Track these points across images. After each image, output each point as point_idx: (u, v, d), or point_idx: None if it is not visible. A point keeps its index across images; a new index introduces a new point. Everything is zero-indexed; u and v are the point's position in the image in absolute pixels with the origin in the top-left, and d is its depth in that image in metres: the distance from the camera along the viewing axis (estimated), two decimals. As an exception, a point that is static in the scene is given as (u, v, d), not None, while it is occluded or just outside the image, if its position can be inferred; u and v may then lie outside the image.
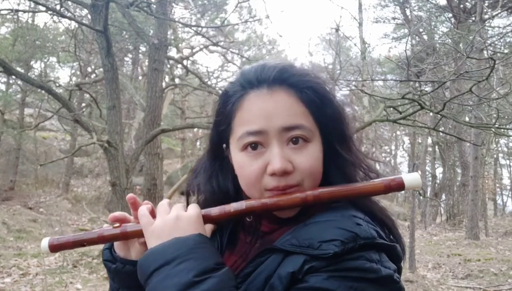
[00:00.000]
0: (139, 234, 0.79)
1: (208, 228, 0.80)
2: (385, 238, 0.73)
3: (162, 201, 0.81)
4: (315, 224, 0.73)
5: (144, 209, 0.79)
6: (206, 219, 0.77)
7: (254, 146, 0.76)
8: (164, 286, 0.66)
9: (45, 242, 0.83)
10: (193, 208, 0.76)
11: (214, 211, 0.78)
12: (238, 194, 0.85)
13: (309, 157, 0.76)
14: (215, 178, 0.87)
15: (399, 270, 0.75)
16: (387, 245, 0.72)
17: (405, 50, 4.29)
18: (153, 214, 0.79)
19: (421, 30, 12.02)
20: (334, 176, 0.79)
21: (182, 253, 0.68)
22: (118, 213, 0.83)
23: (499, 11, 10.38)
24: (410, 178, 0.75)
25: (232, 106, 0.80)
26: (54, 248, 0.83)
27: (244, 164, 0.77)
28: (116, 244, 0.84)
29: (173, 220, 0.73)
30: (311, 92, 0.78)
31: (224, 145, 0.85)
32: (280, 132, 0.75)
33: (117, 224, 0.82)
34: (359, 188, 0.77)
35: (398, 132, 23.45)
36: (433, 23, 13.10)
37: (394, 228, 0.80)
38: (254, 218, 0.83)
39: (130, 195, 0.84)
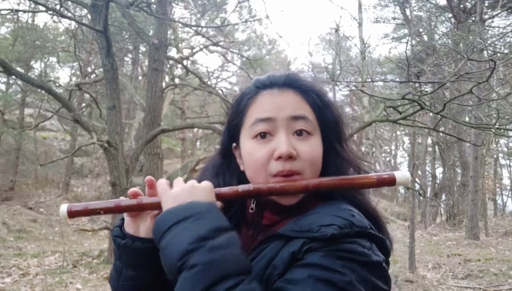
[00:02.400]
0: (154, 206, 0.85)
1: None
2: (376, 231, 0.82)
3: (178, 177, 0.89)
4: (315, 213, 0.82)
5: (162, 180, 0.86)
6: (216, 196, 0.84)
7: (263, 134, 0.87)
8: (181, 237, 0.73)
9: (63, 208, 0.86)
10: (206, 182, 0.85)
11: (224, 189, 0.87)
12: None
13: (311, 148, 0.86)
14: (222, 175, 0.96)
15: (387, 264, 0.82)
16: (378, 236, 0.81)
17: (405, 51, 4.28)
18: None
19: (421, 30, 12.02)
20: (331, 172, 0.89)
21: (200, 212, 0.76)
22: (137, 189, 0.89)
23: (499, 11, 10.38)
24: (401, 175, 0.85)
25: (247, 101, 0.92)
26: (72, 214, 0.86)
27: (253, 150, 0.87)
28: (126, 222, 0.90)
29: (189, 187, 0.82)
30: (315, 96, 0.91)
31: (234, 144, 0.95)
32: (287, 121, 0.86)
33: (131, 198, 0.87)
34: (355, 179, 0.86)
35: (398, 133, 23.47)
36: (433, 23, 13.10)
37: (383, 226, 0.90)
38: (256, 210, 0.91)
39: (148, 178, 0.89)
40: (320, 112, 0.90)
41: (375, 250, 0.78)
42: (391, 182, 0.84)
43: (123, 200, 0.87)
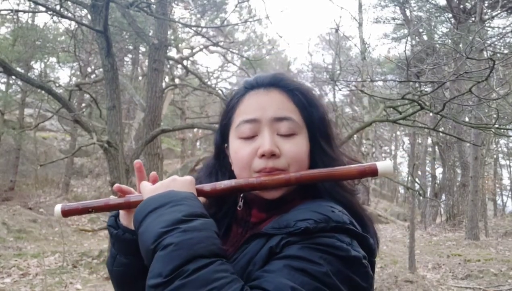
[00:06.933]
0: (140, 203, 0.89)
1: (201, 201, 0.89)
2: (357, 227, 0.81)
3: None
4: (296, 210, 0.83)
5: (145, 181, 0.91)
6: (199, 193, 0.87)
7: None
8: (156, 222, 0.75)
9: (58, 208, 0.93)
10: (188, 176, 0.88)
11: (206, 186, 0.90)
12: None
13: (295, 146, 0.87)
14: (215, 174, 0.99)
15: (372, 264, 0.82)
16: (358, 233, 0.80)
17: (405, 51, 4.28)
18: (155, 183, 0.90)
19: (421, 30, 12.02)
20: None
21: (175, 199, 0.78)
22: (123, 186, 0.94)
23: (499, 11, 10.39)
24: (384, 165, 0.83)
25: (235, 102, 0.95)
26: (66, 213, 0.93)
27: (238, 149, 0.89)
28: (121, 214, 0.95)
29: (169, 180, 0.85)
30: (300, 94, 0.92)
31: (226, 145, 0.97)
32: (271, 122, 0.88)
33: (120, 195, 0.94)
34: (336, 171, 0.86)
35: (398, 133, 23.49)
36: (433, 23, 13.11)
37: (369, 225, 0.89)
38: (244, 208, 0.94)
39: (137, 161, 0.95)
40: (305, 111, 0.91)
41: (355, 246, 0.77)
42: (373, 172, 0.83)
43: (112, 199, 0.92)
